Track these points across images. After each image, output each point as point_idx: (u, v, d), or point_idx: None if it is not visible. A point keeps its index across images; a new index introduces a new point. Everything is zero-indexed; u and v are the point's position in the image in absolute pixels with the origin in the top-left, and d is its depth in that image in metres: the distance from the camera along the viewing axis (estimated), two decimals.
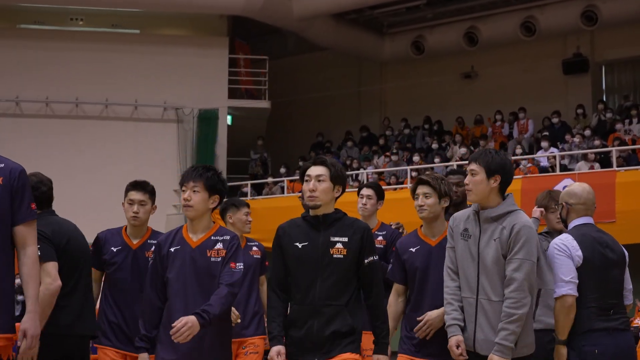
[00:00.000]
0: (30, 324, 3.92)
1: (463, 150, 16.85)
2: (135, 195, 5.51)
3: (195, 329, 4.25)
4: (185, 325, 4.24)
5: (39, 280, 4.15)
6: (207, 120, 18.63)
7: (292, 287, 4.49)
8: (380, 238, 6.26)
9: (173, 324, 4.27)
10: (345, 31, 20.35)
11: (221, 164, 18.28)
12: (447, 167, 15.72)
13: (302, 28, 19.31)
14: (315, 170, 4.51)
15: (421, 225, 5.15)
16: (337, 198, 4.57)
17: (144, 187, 5.57)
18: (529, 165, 15.84)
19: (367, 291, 4.51)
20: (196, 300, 4.45)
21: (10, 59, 17.75)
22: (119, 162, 17.61)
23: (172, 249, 4.65)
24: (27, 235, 4.06)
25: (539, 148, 16.61)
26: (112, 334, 5.46)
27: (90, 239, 6.46)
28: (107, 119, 18.46)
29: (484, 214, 4.59)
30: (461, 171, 6.27)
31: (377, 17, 20.57)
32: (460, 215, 4.78)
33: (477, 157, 4.64)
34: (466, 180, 4.67)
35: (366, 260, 4.46)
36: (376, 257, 4.53)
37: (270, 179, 18.59)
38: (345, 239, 4.45)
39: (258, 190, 18.78)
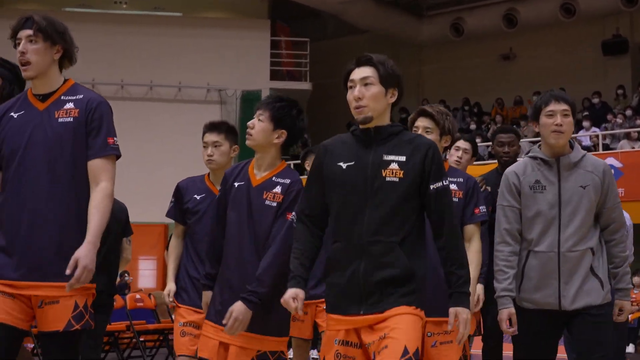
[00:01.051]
0: (84, 254, 3.64)
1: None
2: (208, 137, 5.04)
3: (247, 317, 3.90)
4: (235, 320, 3.90)
5: (106, 216, 3.79)
6: (249, 101, 18.89)
7: (333, 220, 3.55)
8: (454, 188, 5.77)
9: (223, 322, 3.92)
10: (384, 13, 20.54)
11: None
12: (488, 147, 15.88)
13: (341, 10, 19.55)
14: (359, 73, 3.59)
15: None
16: (394, 105, 3.67)
17: (217, 127, 5.11)
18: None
19: (436, 227, 3.52)
20: (249, 252, 4.04)
21: None
22: (162, 142, 17.95)
23: (235, 184, 4.21)
24: (101, 171, 3.81)
25: (580, 128, 16.75)
26: (193, 291, 4.97)
27: (132, 213, 6.67)
28: (152, 100, 18.81)
29: (565, 160, 4.15)
30: (512, 129, 6.08)
31: None
32: (518, 168, 4.27)
33: (566, 97, 4.21)
34: (559, 121, 4.09)
35: (432, 186, 3.48)
36: (446, 182, 3.52)
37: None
38: (403, 158, 3.48)
39: (299, 170, 19.03)
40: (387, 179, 3.42)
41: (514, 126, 17.31)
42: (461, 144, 5.86)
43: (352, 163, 3.48)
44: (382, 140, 3.51)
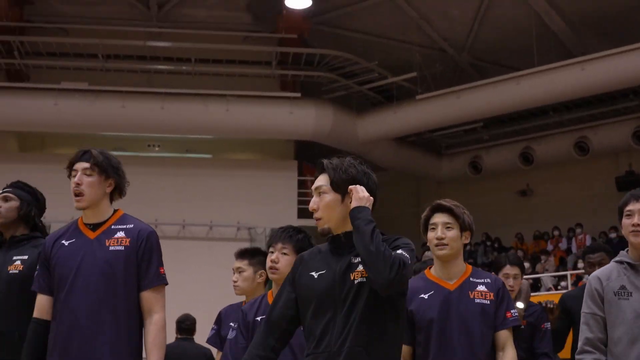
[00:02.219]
0: None
1: (526, 265, 17.57)
2: (235, 263, 5.11)
3: None
4: None
5: (164, 349, 3.88)
6: None
7: (306, 333, 3.32)
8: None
9: None
10: (405, 152, 21.45)
11: None
12: None
13: (365, 151, 20.43)
14: (316, 182, 3.42)
15: (430, 267, 4.19)
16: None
17: (242, 254, 5.12)
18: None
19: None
20: None
21: None
22: (195, 278, 18.53)
23: (257, 318, 4.13)
24: (154, 302, 3.89)
25: None
26: None
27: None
28: (185, 239, 19.50)
29: None
30: (601, 247, 5.80)
31: (435, 139, 21.67)
32: (602, 273, 3.96)
33: None
34: (636, 221, 3.84)
35: None
36: (405, 253, 3.20)
37: None
38: None
39: None
40: (356, 280, 3.22)
41: (534, 261, 17.93)
42: (509, 269, 5.55)
43: (323, 271, 3.31)
44: (351, 246, 3.26)
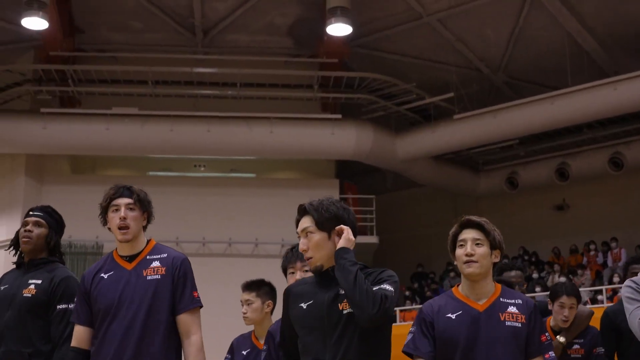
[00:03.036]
0: None
1: (562, 279, 18.05)
2: (242, 295, 5.36)
3: None
4: None
5: None
6: None
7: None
8: (577, 346, 5.68)
9: None
10: (443, 169, 21.97)
11: None
12: (544, 298, 16.88)
13: (404, 169, 21.02)
14: (301, 224, 3.69)
15: (458, 284, 4.01)
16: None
17: (249, 286, 5.41)
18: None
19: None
20: None
21: None
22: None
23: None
24: (190, 324, 4.13)
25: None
26: None
27: None
28: (231, 256, 20.16)
29: None
30: None
31: (472, 156, 22.18)
32: None
33: None
34: None
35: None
36: (389, 287, 3.49)
37: None
38: None
39: None
40: (344, 311, 3.46)
41: (570, 275, 18.39)
42: (565, 299, 5.62)
43: (311, 302, 3.57)
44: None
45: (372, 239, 21.00)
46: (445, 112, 20.16)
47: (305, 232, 3.63)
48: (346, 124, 19.70)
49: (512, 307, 3.81)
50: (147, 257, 4.24)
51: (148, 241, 4.34)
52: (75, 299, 4.31)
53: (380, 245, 21.17)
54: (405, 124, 21.10)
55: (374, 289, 3.41)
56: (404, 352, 3.80)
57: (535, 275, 19.54)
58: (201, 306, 4.22)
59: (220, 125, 19.16)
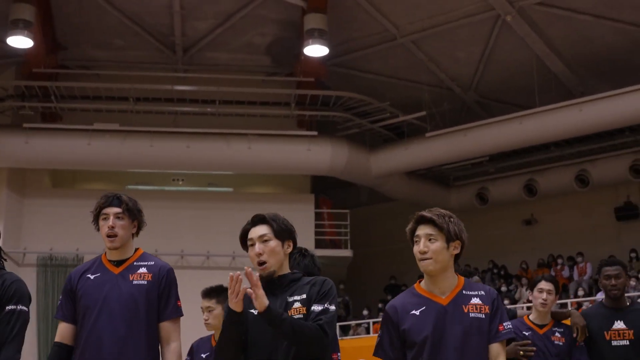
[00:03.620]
0: None
1: (529, 292, 18.59)
2: (202, 302, 5.52)
3: None
4: None
5: None
6: None
7: None
8: (558, 335, 5.78)
9: None
10: (416, 184, 22.55)
11: None
12: (514, 307, 17.50)
13: (378, 184, 21.60)
14: (256, 232, 3.89)
15: (420, 280, 4.00)
16: (291, 254, 4.08)
17: (208, 293, 5.54)
18: (590, 306, 17.48)
19: None
20: None
21: None
22: None
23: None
24: (172, 331, 4.30)
25: (598, 290, 18.32)
26: None
27: None
28: (209, 269, 20.55)
29: None
30: (617, 261, 5.89)
31: (444, 172, 22.81)
32: None
33: None
34: None
35: (312, 308, 3.74)
36: (330, 306, 3.75)
37: (354, 321, 20.50)
38: (304, 296, 3.77)
39: (344, 330, 20.63)
40: (295, 316, 3.67)
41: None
42: (544, 285, 5.88)
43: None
44: (285, 287, 3.81)
45: (347, 253, 21.54)
46: (418, 130, 20.76)
47: (262, 239, 3.83)
48: (322, 140, 20.27)
49: (475, 298, 3.84)
50: (135, 263, 4.38)
51: (136, 249, 4.48)
52: (60, 297, 4.42)
53: (355, 259, 21.72)
54: (379, 141, 21.71)
55: (317, 311, 3.69)
56: (374, 355, 3.87)
57: (503, 289, 20.14)
58: (182, 315, 4.41)
59: (199, 141, 19.64)
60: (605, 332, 5.50)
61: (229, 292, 3.71)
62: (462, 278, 3.91)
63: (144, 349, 4.21)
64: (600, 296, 18.01)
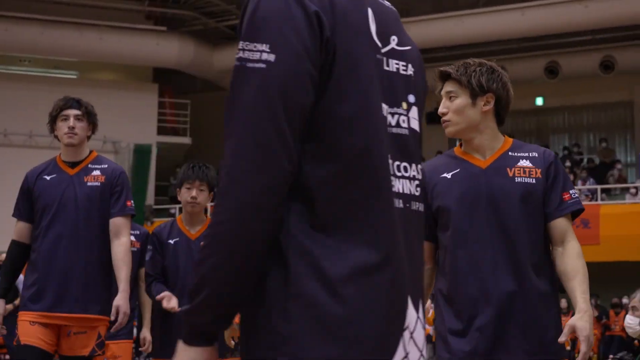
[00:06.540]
0: (122, 302, 4.27)
1: None
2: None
3: None
4: None
5: (130, 265, 4.42)
6: (140, 152, 21.70)
7: None
8: None
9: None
10: None
11: (150, 188, 21.91)
12: None
13: (220, 78, 23.04)
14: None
15: (461, 144, 3.26)
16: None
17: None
18: None
19: None
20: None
21: None
22: None
23: (170, 241, 4.70)
24: (121, 227, 4.39)
25: None
26: None
27: None
28: (57, 149, 21.29)
29: None
30: None
31: None
32: None
33: None
34: None
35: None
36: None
37: None
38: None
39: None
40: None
41: None
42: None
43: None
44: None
45: (186, 140, 23.07)
46: None
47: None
48: (170, 35, 21.51)
49: (524, 160, 3.12)
50: (89, 165, 4.50)
51: (90, 152, 4.63)
52: (17, 196, 4.54)
53: (192, 146, 23.12)
54: (224, 40, 22.82)
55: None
56: None
57: None
58: (134, 214, 4.56)
59: (53, 28, 20.21)
60: None
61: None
62: (511, 139, 3.22)
63: (97, 247, 4.39)
64: None
